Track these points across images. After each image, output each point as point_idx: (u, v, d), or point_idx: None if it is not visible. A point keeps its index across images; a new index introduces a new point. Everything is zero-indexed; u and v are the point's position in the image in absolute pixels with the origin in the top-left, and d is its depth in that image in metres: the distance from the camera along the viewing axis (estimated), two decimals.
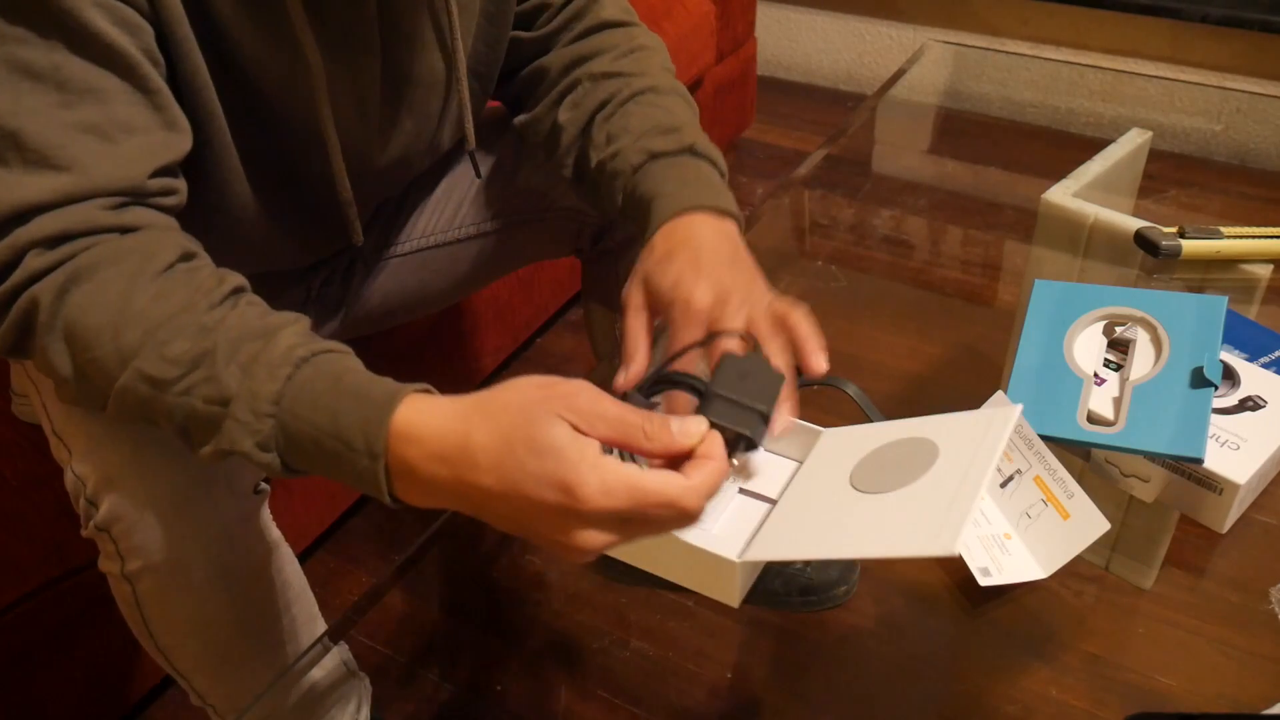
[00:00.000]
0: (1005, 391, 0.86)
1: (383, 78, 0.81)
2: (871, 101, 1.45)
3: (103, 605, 1.06)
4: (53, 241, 0.64)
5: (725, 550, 0.72)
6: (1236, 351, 0.91)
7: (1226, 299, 0.86)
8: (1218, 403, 0.84)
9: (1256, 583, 0.78)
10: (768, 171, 2.26)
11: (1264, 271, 1.06)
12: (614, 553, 0.79)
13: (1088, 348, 0.88)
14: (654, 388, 0.68)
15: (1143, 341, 0.86)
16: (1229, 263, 1.06)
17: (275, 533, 0.84)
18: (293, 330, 0.64)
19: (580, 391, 0.56)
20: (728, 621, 0.78)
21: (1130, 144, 1.23)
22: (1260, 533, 0.81)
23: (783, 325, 0.72)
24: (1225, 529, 0.81)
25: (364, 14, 0.76)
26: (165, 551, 0.75)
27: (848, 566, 0.80)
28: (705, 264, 0.72)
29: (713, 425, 0.61)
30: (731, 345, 0.69)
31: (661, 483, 0.55)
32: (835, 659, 0.78)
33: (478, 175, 1.01)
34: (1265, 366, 0.89)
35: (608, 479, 0.54)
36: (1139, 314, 0.88)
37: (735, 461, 0.61)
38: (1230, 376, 0.87)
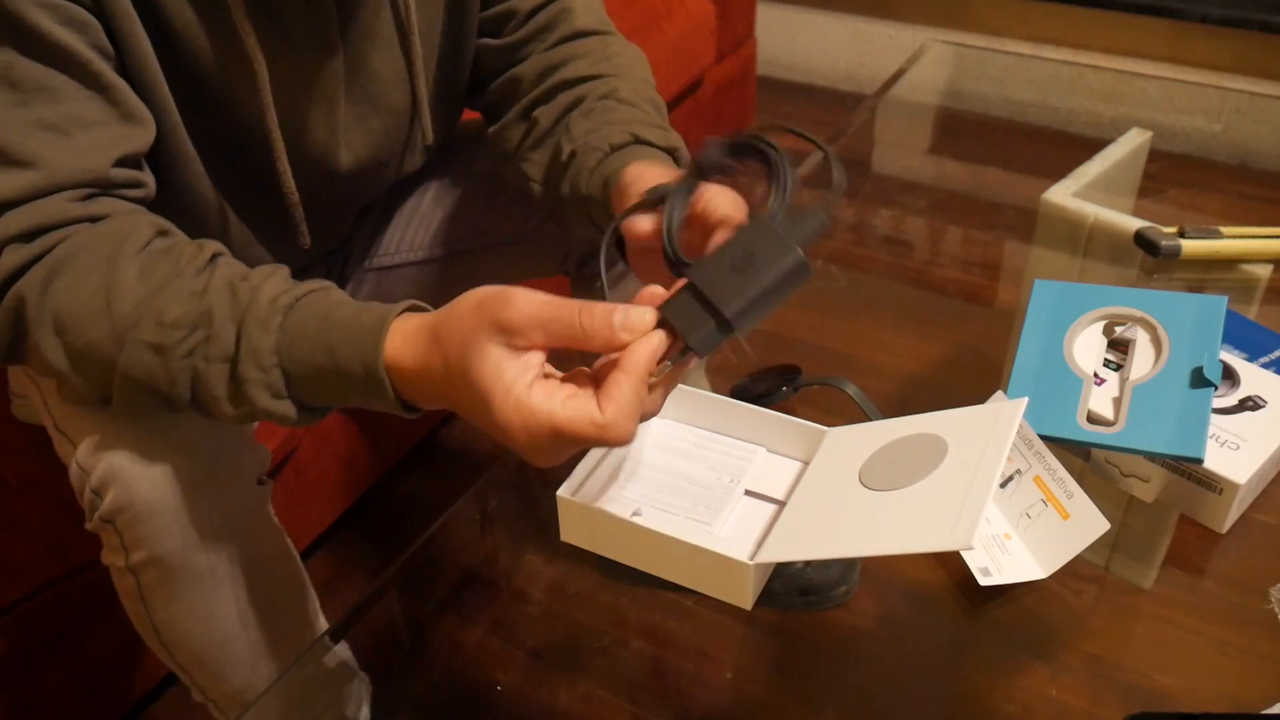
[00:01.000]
0: (1005, 391, 0.86)
1: (346, 76, 0.81)
2: (871, 101, 1.45)
3: (103, 605, 1.06)
4: (27, 235, 0.65)
5: (735, 552, 0.72)
6: (1236, 351, 0.91)
7: (1226, 299, 0.86)
8: (1218, 403, 0.84)
9: (1256, 583, 0.78)
10: (767, 171, 2.26)
11: (1264, 271, 1.06)
12: (621, 558, 0.79)
13: (1088, 348, 0.88)
14: (732, 151, 0.64)
15: (1143, 341, 0.86)
16: (1229, 263, 1.06)
17: (278, 526, 0.85)
18: (274, 280, 0.65)
19: (512, 303, 0.55)
20: (728, 621, 0.78)
21: (1130, 144, 1.23)
22: (1260, 533, 0.81)
23: None
24: (1225, 529, 0.81)
25: (321, 11, 0.76)
26: (170, 542, 0.75)
27: (848, 566, 0.80)
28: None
29: (662, 319, 0.56)
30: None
31: (575, 419, 0.54)
32: (835, 659, 0.78)
33: (437, 176, 1.00)
34: (1265, 366, 0.89)
35: (528, 421, 0.55)
36: (1139, 314, 0.88)
37: (669, 363, 0.56)
38: (1230, 376, 0.87)
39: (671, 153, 0.81)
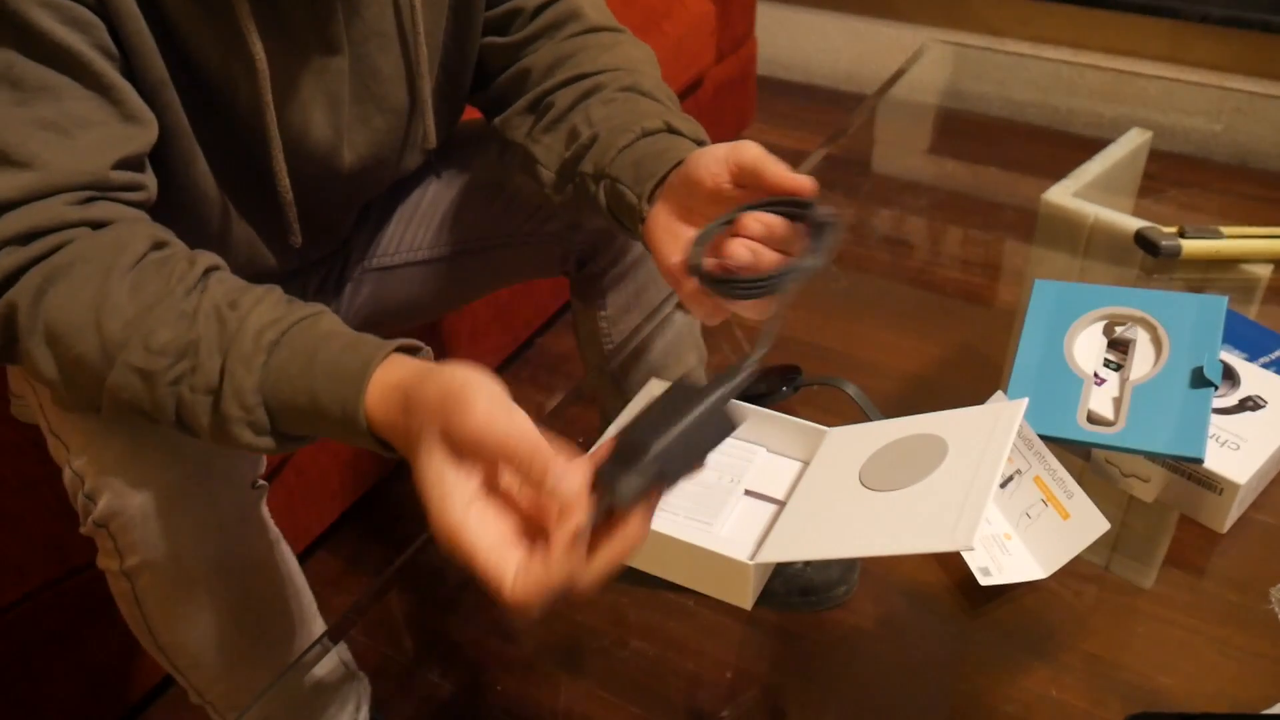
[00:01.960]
0: (1005, 391, 0.86)
1: (351, 75, 0.81)
2: (871, 101, 1.45)
3: (103, 605, 1.06)
4: (23, 239, 0.64)
5: (735, 552, 0.72)
6: (1236, 351, 0.91)
7: (1226, 299, 0.85)
8: (1218, 403, 0.84)
9: (1256, 583, 0.78)
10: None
11: (1264, 271, 1.06)
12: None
13: (1088, 348, 0.88)
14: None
15: (1143, 341, 0.86)
16: (1229, 263, 1.06)
17: (274, 529, 0.85)
18: (261, 309, 0.64)
19: (470, 412, 0.53)
20: (728, 621, 0.78)
21: (1130, 144, 1.23)
22: (1260, 533, 0.81)
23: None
24: (1225, 529, 0.81)
25: (325, 11, 0.76)
26: (164, 547, 0.75)
27: (848, 566, 0.80)
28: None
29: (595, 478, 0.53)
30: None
31: (488, 570, 0.53)
32: (835, 659, 0.78)
33: (437, 176, 1.00)
34: (1265, 366, 0.89)
35: (451, 541, 0.54)
36: (1139, 314, 0.88)
37: (591, 521, 0.53)
38: (1230, 376, 0.87)
39: (699, 144, 0.79)
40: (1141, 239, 1.07)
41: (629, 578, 0.79)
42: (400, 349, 0.63)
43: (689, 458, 0.53)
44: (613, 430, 0.80)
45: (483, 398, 0.53)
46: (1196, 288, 1.05)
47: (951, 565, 0.78)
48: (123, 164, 0.68)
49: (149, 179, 0.71)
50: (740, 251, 0.67)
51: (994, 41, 2.31)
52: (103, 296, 0.63)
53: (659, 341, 1.01)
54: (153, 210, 0.72)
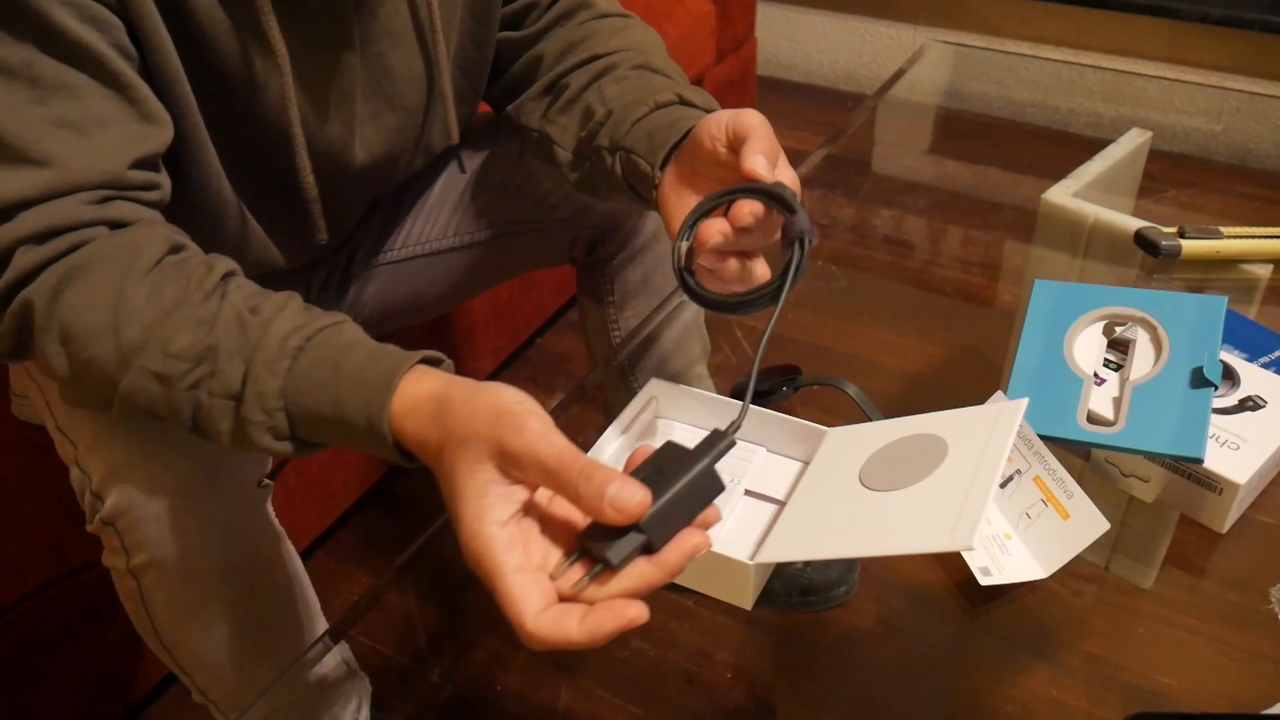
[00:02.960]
0: (1005, 391, 0.86)
1: (363, 72, 0.81)
2: (871, 101, 1.45)
3: (103, 605, 1.06)
4: (40, 237, 0.64)
5: (735, 552, 0.72)
6: (1236, 351, 0.91)
7: (1226, 299, 0.86)
8: (1218, 403, 0.84)
9: (1256, 583, 0.78)
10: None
11: (1264, 271, 1.06)
12: None
13: (1088, 348, 0.88)
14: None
15: (1143, 341, 0.86)
16: (1229, 263, 1.06)
17: (278, 527, 0.85)
18: (285, 316, 0.64)
19: (525, 434, 0.53)
20: (728, 621, 0.78)
21: (1130, 144, 1.23)
22: (1260, 533, 0.81)
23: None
24: (1225, 529, 0.81)
25: (340, 8, 0.76)
26: (171, 545, 0.75)
27: (848, 567, 0.80)
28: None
29: (582, 545, 0.54)
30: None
31: (511, 598, 0.52)
32: (835, 659, 0.78)
33: (461, 170, 1.00)
34: (1265, 366, 0.89)
35: (479, 557, 0.53)
36: (1139, 314, 0.88)
37: (586, 579, 0.54)
38: (1230, 376, 0.87)
39: (710, 113, 0.80)
40: (1141, 239, 1.07)
41: None
42: (424, 360, 0.63)
43: (676, 521, 0.54)
44: (614, 431, 0.80)
45: (536, 419, 0.54)
46: (1196, 288, 1.05)
47: (951, 565, 0.78)
48: (139, 163, 0.68)
49: (164, 179, 0.71)
50: (730, 267, 0.69)
51: (994, 41, 2.31)
52: (120, 299, 0.63)
53: (666, 334, 1.02)
54: (168, 210, 0.72)
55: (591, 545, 0.53)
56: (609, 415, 0.90)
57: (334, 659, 0.86)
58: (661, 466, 0.55)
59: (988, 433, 0.69)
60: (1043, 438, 0.79)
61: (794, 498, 0.77)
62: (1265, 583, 0.77)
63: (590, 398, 1.04)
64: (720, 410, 0.84)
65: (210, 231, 0.81)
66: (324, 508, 1.35)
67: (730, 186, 0.69)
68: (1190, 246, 1.05)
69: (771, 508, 0.79)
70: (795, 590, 0.78)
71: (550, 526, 0.56)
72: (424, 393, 0.59)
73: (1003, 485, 0.80)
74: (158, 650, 0.84)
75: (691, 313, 1.02)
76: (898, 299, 1.12)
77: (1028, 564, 0.76)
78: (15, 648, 1.02)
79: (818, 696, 0.75)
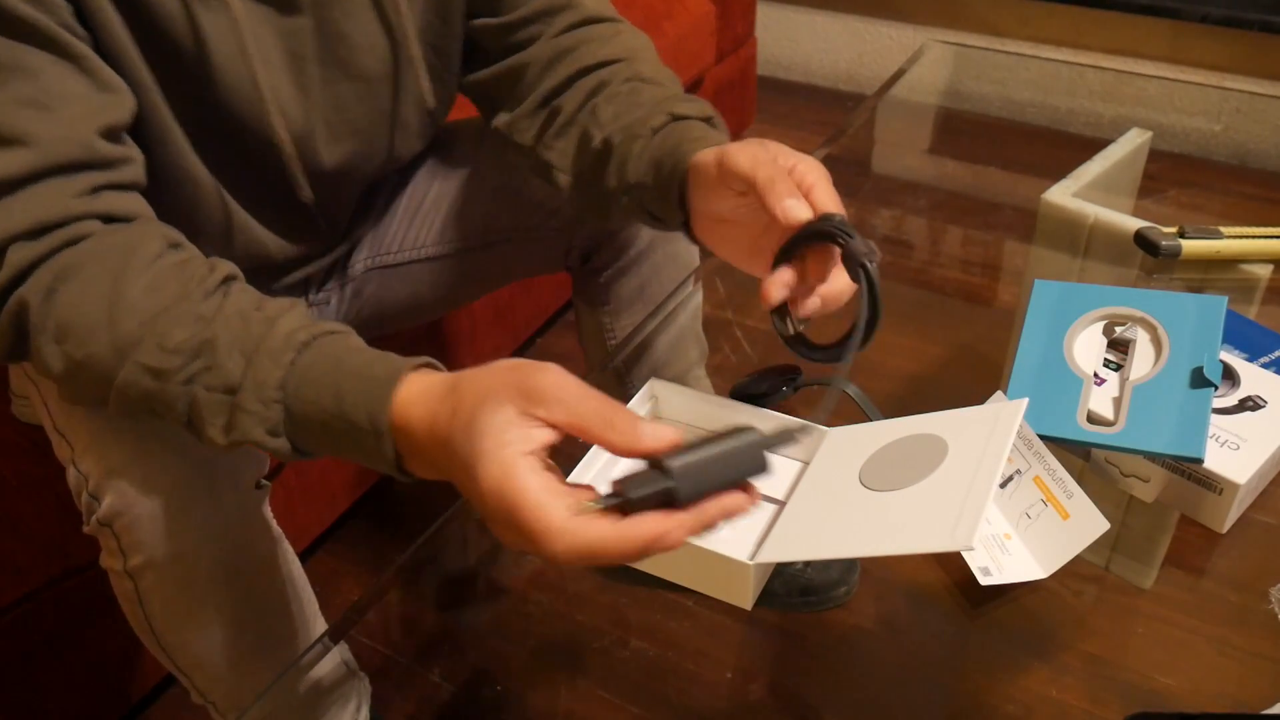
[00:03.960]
0: (1005, 391, 0.86)
1: (315, 39, 0.80)
2: (871, 101, 1.45)
3: (103, 605, 1.06)
4: (33, 233, 0.64)
5: (735, 552, 0.72)
6: (1236, 351, 0.91)
7: (1226, 299, 0.85)
8: (1218, 403, 0.84)
9: (1256, 583, 0.78)
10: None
11: (1264, 271, 1.06)
12: None
13: (1088, 348, 0.88)
14: (800, 242, 0.68)
15: (1143, 341, 0.86)
16: (1229, 263, 1.06)
17: (277, 529, 0.85)
18: (291, 315, 0.64)
19: (547, 371, 0.54)
20: (728, 621, 0.78)
21: (1130, 144, 1.23)
22: (1260, 533, 0.81)
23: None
24: (1225, 529, 0.81)
25: None
26: (168, 546, 0.75)
27: (848, 567, 0.80)
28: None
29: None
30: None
31: (536, 512, 0.51)
32: (835, 659, 0.78)
33: (439, 173, 1.00)
34: (1265, 366, 0.89)
35: (501, 486, 0.52)
36: (1139, 314, 0.88)
37: (599, 502, 0.53)
38: (1230, 376, 0.87)
39: (707, 120, 0.80)
40: (1141, 239, 1.07)
41: (629, 578, 0.79)
42: (425, 365, 0.62)
43: (707, 481, 0.53)
44: None
45: (555, 366, 0.54)
46: (1196, 288, 1.05)
47: (951, 565, 0.78)
48: (107, 134, 0.68)
49: (135, 151, 0.71)
50: (813, 305, 0.71)
51: (994, 41, 2.31)
52: (117, 295, 0.63)
53: (662, 338, 1.02)
54: (149, 197, 0.71)
55: (617, 484, 0.53)
56: None
57: (333, 660, 0.86)
58: (721, 435, 0.55)
59: (988, 433, 0.69)
60: (1043, 438, 0.79)
61: (794, 498, 0.77)
62: (1265, 583, 0.77)
63: None
64: (720, 411, 0.84)
65: (190, 214, 0.80)
66: (324, 508, 1.35)
67: (786, 243, 0.70)
68: (1190, 246, 1.05)
69: (771, 508, 0.78)
70: (795, 590, 0.78)
71: (576, 491, 0.55)
72: (433, 381, 0.60)
73: (1003, 485, 0.80)
74: (156, 652, 0.84)
75: (688, 316, 1.02)
76: (898, 299, 1.12)
77: (1028, 564, 0.76)
78: (15, 648, 1.02)
79: (818, 696, 0.75)
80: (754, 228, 0.72)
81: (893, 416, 0.79)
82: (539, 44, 0.88)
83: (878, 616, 0.79)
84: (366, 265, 1.03)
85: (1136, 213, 1.15)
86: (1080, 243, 1.14)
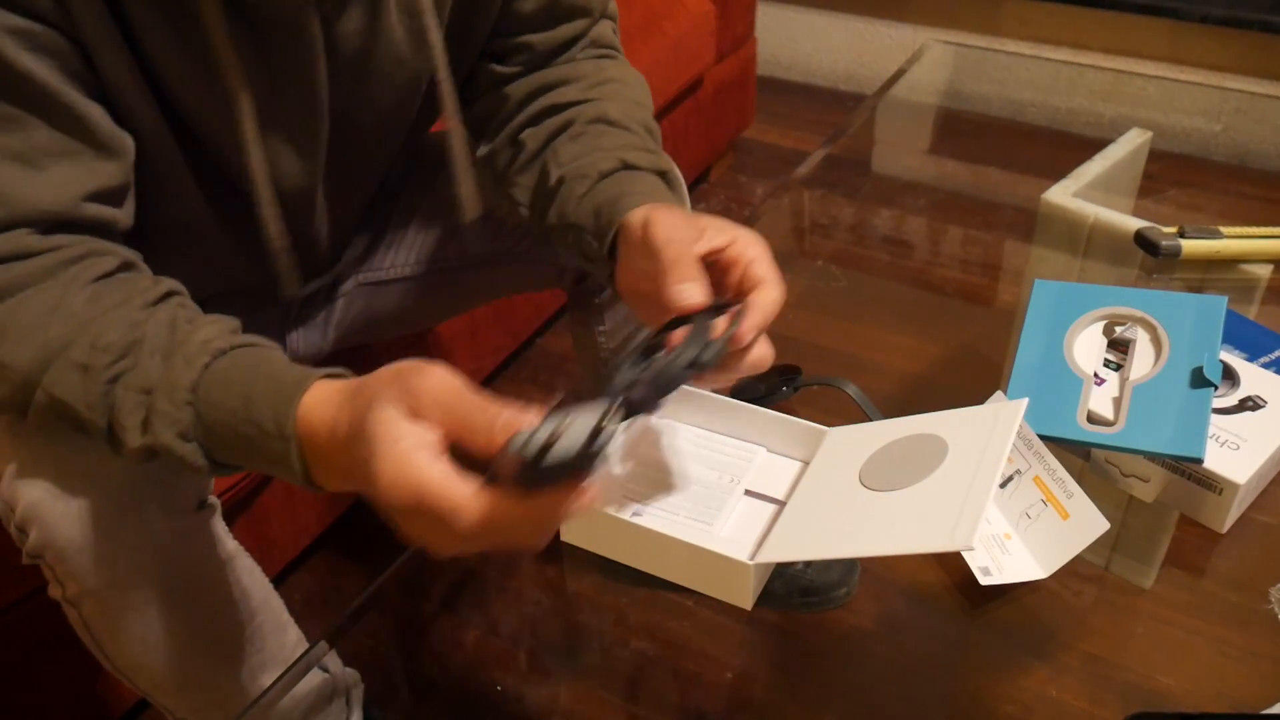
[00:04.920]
0: (1005, 391, 0.86)
1: (336, 129, 0.79)
2: (871, 101, 1.45)
3: None
4: None
5: (735, 552, 0.72)
6: (1236, 351, 0.91)
7: (1226, 299, 0.86)
8: (1218, 403, 0.84)
9: (1256, 583, 0.78)
10: (768, 171, 2.26)
11: (1264, 271, 1.06)
12: (622, 558, 0.79)
13: (1088, 348, 0.88)
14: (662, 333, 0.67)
15: (1143, 341, 0.86)
16: (1229, 263, 1.06)
17: (229, 545, 0.83)
18: (215, 326, 0.65)
19: (426, 374, 0.54)
20: (728, 622, 0.78)
21: (1130, 144, 1.23)
22: (1260, 533, 0.81)
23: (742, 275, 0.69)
24: (1225, 529, 0.81)
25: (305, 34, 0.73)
26: (100, 575, 0.74)
27: (849, 568, 0.80)
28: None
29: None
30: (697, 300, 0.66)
31: (439, 489, 0.51)
32: (836, 659, 0.78)
33: (426, 195, 0.99)
34: (1265, 366, 0.89)
35: (397, 477, 0.52)
36: (1139, 314, 0.88)
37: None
38: (1230, 376, 0.87)
39: (661, 175, 0.79)
40: (1141, 239, 1.07)
41: (629, 577, 0.79)
42: (332, 374, 0.62)
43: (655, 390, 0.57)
44: None
45: (440, 368, 0.54)
46: (1196, 288, 1.05)
47: (951, 565, 0.78)
48: (95, 197, 0.67)
49: (121, 214, 0.70)
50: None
51: (994, 41, 2.31)
52: (58, 303, 0.63)
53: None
54: (145, 233, 0.71)
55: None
56: None
57: (314, 677, 0.85)
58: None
59: (988, 433, 0.69)
60: (1043, 438, 0.79)
61: (794, 498, 0.77)
62: (1265, 583, 0.77)
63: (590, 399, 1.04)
64: (719, 410, 0.84)
65: (188, 250, 0.80)
66: (322, 510, 1.35)
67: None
68: (1190, 246, 1.05)
69: (771, 508, 0.79)
70: (796, 591, 0.78)
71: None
72: (335, 387, 0.59)
73: (1003, 485, 0.80)
74: (116, 675, 0.82)
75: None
76: (898, 299, 1.12)
77: (1028, 564, 0.76)
78: (15, 648, 1.02)
79: (818, 696, 0.75)
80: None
81: (893, 416, 0.79)
82: (521, 80, 0.87)
83: (878, 616, 0.79)
84: (355, 281, 1.03)
85: (1136, 213, 1.15)
86: (1080, 243, 1.14)
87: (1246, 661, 0.73)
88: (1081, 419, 0.82)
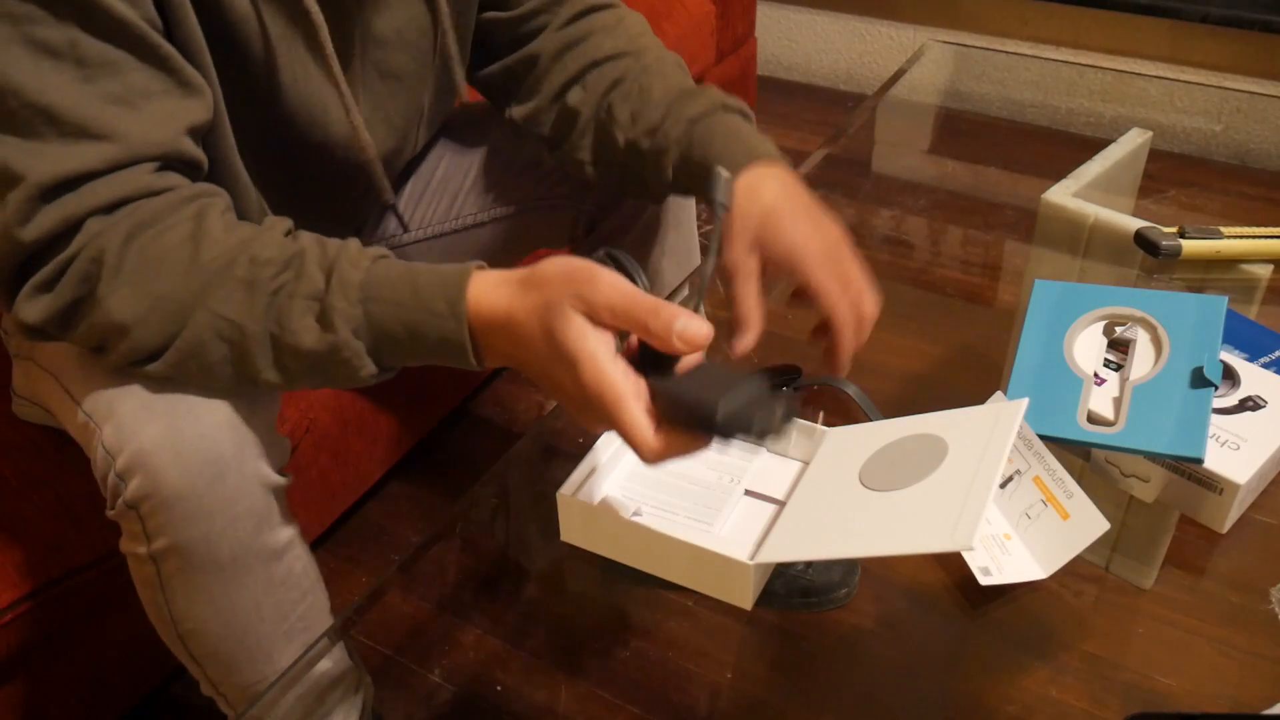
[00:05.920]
0: (1005, 391, 0.86)
1: (360, 40, 0.84)
2: (871, 101, 1.45)
3: (103, 605, 1.06)
4: (110, 208, 0.67)
5: (735, 552, 0.72)
6: (1236, 351, 0.91)
7: (1226, 299, 0.85)
8: (1218, 403, 0.84)
9: (1256, 583, 0.78)
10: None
11: (1264, 271, 1.06)
12: (621, 558, 0.79)
13: (1088, 348, 0.88)
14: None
15: (1143, 341, 0.86)
16: (1229, 263, 1.06)
17: (295, 520, 0.84)
18: (356, 242, 0.71)
19: (597, 283, 0.61)
20: (728, 622, 0.78)
21: (1130, 144, 1.23)
22: (1260, 533, 0.81)
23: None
24: (1225, 529, 0.81)
25: None
26: (194, 529, 0.74)
27: (849, 569, 0.80)
28: (800, 220, 0.78)
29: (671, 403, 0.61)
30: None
31: (633, 413, 0.60)
32: (836, 659, 0.78)
33: (445, 153, 1.04)
34: (1265, 366, 0.89)
35: (604, 389, 0.60)
36: (1139, 314, 0.88)
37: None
38: (1230, 376, 0.87)
39: (721, 109, 0.87)
40: (1141, 239, 1.07)
41: (629, 578, 0.79)
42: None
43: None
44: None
45: (606, 272, 0.61)
46: (1196, 288, 1.05)
47: (951, 565, 0.78)
48: (191, 133, 0.71)
49: (202, 155, 0.74)
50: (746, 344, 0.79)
51: (994, 41, 2.31)
52: (200, 233, 0.68)
53: None
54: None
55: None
56: None
57: (339, 657, 0.86)
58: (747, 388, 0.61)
59: (988, 433, 0.69)
60: (1043, 438, 0.79)
61: (794, 498, 0.77)
62: (1265, 583, 0.77)
63: None
64: None
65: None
66: (324, 507, 1.35)
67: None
68: (1190, 246, 1.05)
69: (771, 508, 0.79)
70: (796, 592, 0.78)
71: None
72: (500, 277, 0.65)
73: (1003, 485, 0.80)
74: (170, 639, 0.83)
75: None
76: (898, 299, 1.12)
77: (1028, 564, 0.76)
78: (15, 648, 1.02)
79: (818, 696, 0.75)
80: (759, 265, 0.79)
81: (893, 416, 0.79)
82: (546, 35, 0.92)
83: (878, 617, 0.79)
84: (380, 244, 1.04)
85: (1136, 213, 1.15)
86: (1080, 243, 1.14)
87: (1247, 661, 0.73)
88: (1081, 419, 0.82)
